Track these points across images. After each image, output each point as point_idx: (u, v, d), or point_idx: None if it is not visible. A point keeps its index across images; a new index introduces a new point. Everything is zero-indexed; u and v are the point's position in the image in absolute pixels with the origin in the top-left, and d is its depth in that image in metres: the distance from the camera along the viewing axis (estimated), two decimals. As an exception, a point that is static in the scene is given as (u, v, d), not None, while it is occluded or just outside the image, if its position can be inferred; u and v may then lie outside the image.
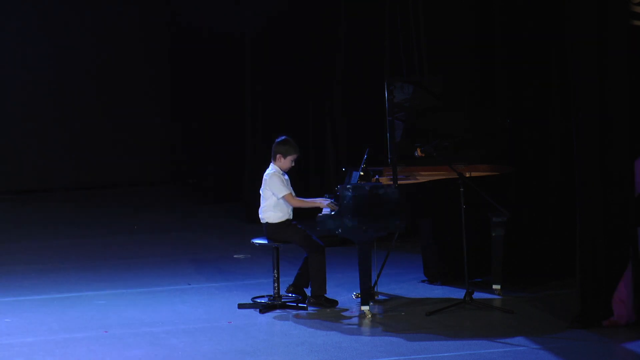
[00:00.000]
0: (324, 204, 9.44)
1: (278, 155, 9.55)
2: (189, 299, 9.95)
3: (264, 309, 9.43)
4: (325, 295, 9.51)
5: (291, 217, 9.59)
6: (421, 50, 10.86)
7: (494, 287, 9.83)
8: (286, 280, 9.68)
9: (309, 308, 9.45)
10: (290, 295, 9.65)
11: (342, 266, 10.93)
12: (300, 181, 13.18)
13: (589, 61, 8.45)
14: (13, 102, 17.04)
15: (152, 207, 15.99)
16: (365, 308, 9.22)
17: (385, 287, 10.14)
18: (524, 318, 9.05)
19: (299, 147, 9.71)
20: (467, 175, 9.44)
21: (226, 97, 15.77)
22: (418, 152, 9.52)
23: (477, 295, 9.56)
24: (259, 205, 9.63)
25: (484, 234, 9.90)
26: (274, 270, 9.58)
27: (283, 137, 9.67)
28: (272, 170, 9.57)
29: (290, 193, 9.48)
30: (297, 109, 14.04)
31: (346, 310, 9.45)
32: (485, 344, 8.33)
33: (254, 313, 9.39)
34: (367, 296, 9.26)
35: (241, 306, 9.56)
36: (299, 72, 13.99)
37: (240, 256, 11.96)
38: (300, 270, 9.63)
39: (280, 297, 9.58)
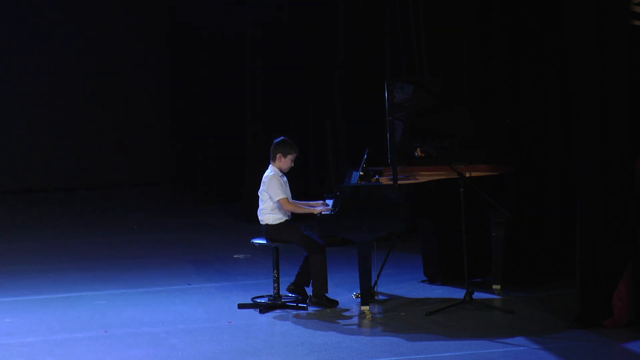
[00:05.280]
0: (318, 210, 9.43)
1: (278, 155, 9.56)
2: (189, 299, 9.95)
3: (264, 309, 9.43)
4: (327, 294, 9.51)
5: (290, 217, 9.60)
6: (421, 50, 10.86)
7: (494, 287, 9.83)
8: (286, 280, 9.68)
9: (310, 307, 9.45)
10: (290, 294, 9.65)
11: (342, 266, 10.93)
12: (301, 181, 13.21)
13: (589, 61, 8.45)
14: (13, 102, 17.05)
15: (151, 207, 15.99)
16: (365, 308, 9.22)
17: (385, 287, 10.14)
18: (524, 318, 9.05)
19: (299, 147, 9.72)
20: (467, 175, 9.44)
21: (226, 97, 15.77)
22: (418, 152, 9.52)
23: (477, 295, 9.56)
24: (258, 205, 9.63)
25: (484, 234, 9.90)
26: (274, 270, 9.58)
27: (282, 138, 9.68)
28: (271, 172, 9.57)
29: (286, 198, 9.48)
30: (297, 109, 14.05)
31: (346, 310, 9.45)
32: (485, 344, 8.33)
33: (254, 313, 9.39)
34: (367, 296, 9.26)
35: (241, 306, 9.56)
36: (299, 72, 13.99)
37: (240, 256, 11.96)
38: (302, 269, 9.63)
39: (280, 297, 9.58)
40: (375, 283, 9.86)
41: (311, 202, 9.74)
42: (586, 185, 8.55)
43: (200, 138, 16.68)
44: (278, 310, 9.43)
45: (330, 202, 9.61)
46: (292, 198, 9.65)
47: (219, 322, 9.13)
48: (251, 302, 9.63)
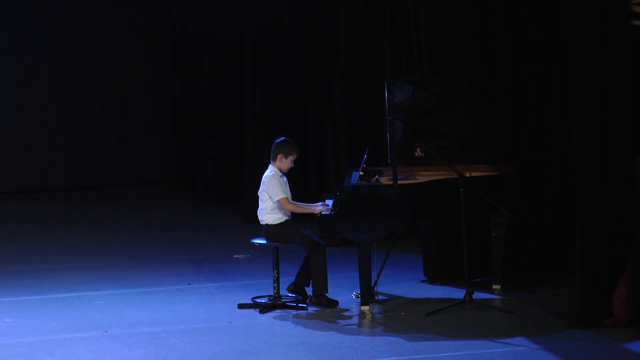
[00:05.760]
0: (318, 210, 9.43)
1: (279, 156, 9.56)
2: (189, 299, 9.95)
3: (264, 309, 9.43)
4: (327, 294, 9.51)
5: (290, 217, 9.59)
6: (421, 50, 10.86)
7: (494, 287, 9.83)
8: (286, 280, 9.68)
9: (310, 307, 9.45)
10: (290, 294, 9.65)
11: (342, 266, 10.93)
12: (301, 180, 13.21)
13: (589, 61, 8.45)
14: (13, 102, 17.04)
15: (151, 207, 15.99)
16: (365, 308, 9.22)
17: (385, 287, 10.14)
18: (524, 318, 9.05)
19: (299, 148, 9.72)
20: (467, 175, 9.44)
21: (226, 97, 15.76)
22: (418, 152, 9.52)
23: (477, 295, 9.56)
24: (258, 205, 9.63)
25: (484, 234, 9.90)
26: (274, 270, 9.58)
27: (283, 138, 9.68)
28: (271, 172, 9.57)
29: (286, 197, 9.48)
30: (297, 109, 14.04)
31: (346, 310, 9.45)
32: (485, 344, 8.33)
33: (254, 313, 9.39)
34: (367, 296, 9.26)
35: (241, 306, 9.56)
36: (299, 72, 13.99)
37: (240, 256, 11.96)
38: (301, 269, 9.63)
39: (280, 297, 9.58)
40: (375, 283, 9.86)
41: (311, 204, 9.73)
42: (586, 185, 8.54)
43: (200, 138, 16.66)
44: (278, 310, 9.43)
45: (330, 202, 9.61)
46: (292, 199, 9.65)
47: (219, 322, 9.13)
48: (251, 302, 9.63)
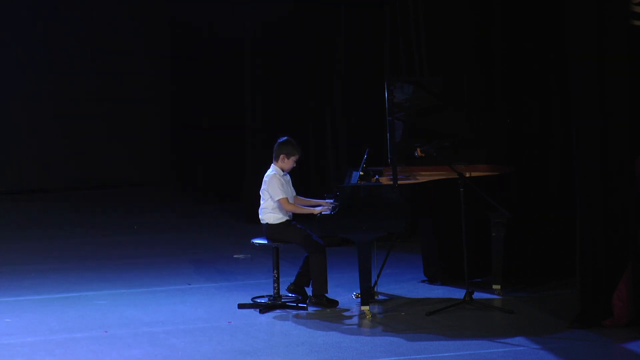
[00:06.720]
0: (317, 210, 9.43)
1: (282, 156, 9.55)
2: (189, 299, 9.95)
3: (264, 309, 9.43)
4: (327, 295, 9.51)
5: (291, 217, 9.60)
6: (421, 50, 10.86)
7: (494, 287, 9.83)
8: (286, 280, 9.68)
9: (310, 307, 9.46)
10: (290, 294, 9.65)
11: (342, 266, 10.93)
12: (301, 180, 13.21)
13: (589, 60, 8.45)
14: (13, 102, 17.05)
15: (152, 207, 16.00)
16: (365, 308, 9.22)
17: (385, 287, 10.14)
18: (524, 318, 9.05)
19: (300, 148, 9.72)
20: (467, 175, 9.44)
21: (226, 97, 15.77)
22: (418, 152, 9.52)
23: (477, 295, 9.56)
24: (259, 205, 9.63)
25: (484, 234, 9.90)
26: (274, 270, 9.58)
27: (285, 138, 9.67)
28: (272, 171, 9.57)
29: (286, 198, 9.48)
30: (297, 109, 14.05)
31: (346, 310, 9.45)
32: (485, 344, 8.33)
33: (254, 313, 9.39)
34: (367, 296, 9.26)
35: (241, 306, 9.56)
36: (299, 73, 13.99)
37: (240, 256, 11.96)
38: (302, 269, 9.63)
39: (280, 297, 9.58)
40: (375, 283, 9.86)
41: (316, 201, 9.70)
42: (586, 185, 8.54)
43: (200, 138, 16.67)
44: (278, 310, 9.43)
45: (331, 201, 9.60)
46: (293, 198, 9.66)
47: (219, 322, 9.13)
48: (251, 302, 9.63)
